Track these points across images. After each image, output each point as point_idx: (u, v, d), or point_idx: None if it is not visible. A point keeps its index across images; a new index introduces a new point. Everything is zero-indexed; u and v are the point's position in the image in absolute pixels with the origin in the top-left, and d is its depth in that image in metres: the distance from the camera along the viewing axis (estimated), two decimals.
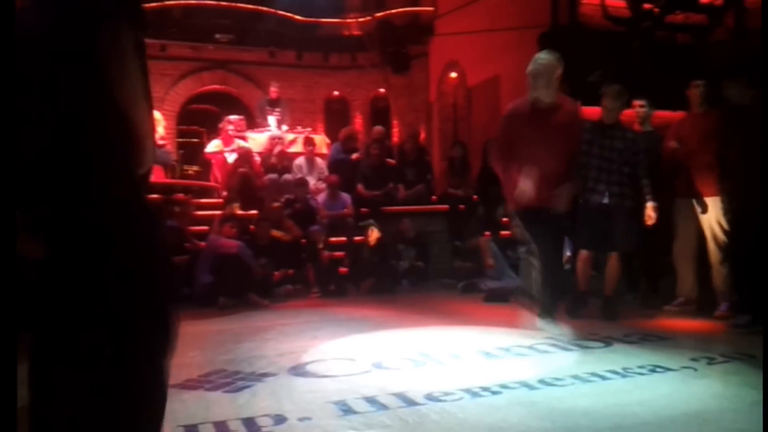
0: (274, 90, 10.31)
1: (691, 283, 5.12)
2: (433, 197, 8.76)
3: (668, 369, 3.28)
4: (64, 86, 1.35)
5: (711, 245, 4.89)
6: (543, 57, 4.18)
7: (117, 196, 1.41)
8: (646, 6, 7.30)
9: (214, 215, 7.37)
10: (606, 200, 4.79)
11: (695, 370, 3.28)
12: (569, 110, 4.30)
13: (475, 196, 8.26)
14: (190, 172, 11.10)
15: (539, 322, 4.28)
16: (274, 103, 10.18)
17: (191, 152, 11.60)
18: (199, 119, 13.02)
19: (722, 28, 7.40)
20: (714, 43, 7.42)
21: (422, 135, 12.41)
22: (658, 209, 4.79)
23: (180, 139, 12.41)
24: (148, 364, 1.46)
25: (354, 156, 9.07)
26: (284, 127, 9.99)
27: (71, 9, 1.36)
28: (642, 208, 4.79)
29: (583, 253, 5.01)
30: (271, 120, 9.95)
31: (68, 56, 1.35)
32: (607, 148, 4.83)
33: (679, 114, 5.31)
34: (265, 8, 12.42)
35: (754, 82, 4.43)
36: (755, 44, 6.72)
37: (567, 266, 6.39)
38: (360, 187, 8.33)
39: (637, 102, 5.40)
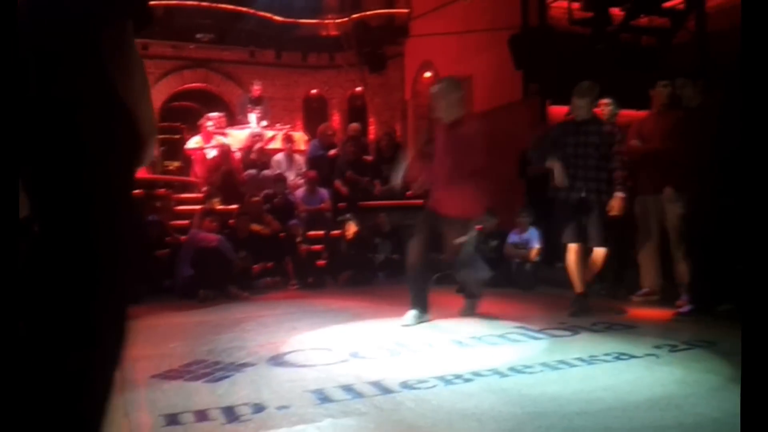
0: (257, 88, 10.29)
1: (653, 275, 5.27)
2: (409, 192, 8.86)
3: (632, 356, 3.38)
4: (68, 84, 1.36)
5: (673, 238, 5.03)
6: (441, 83, 4.54)
7: (111, 196, 1.43)
8: (612, 10, 7.51)
9: (194, 210, 7.41)
10: (584, 194, 4.73)
11: (658, 357, 3.37)
12: (469, 129, 4.54)
13: None
14: (171, 167, 11.10)
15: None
16: (256, 102, 10.16)
17: (172, 148, 11.57)
18: (180, 116, 13.00)
19: (684, 31, 7.61)
20: (676, 45, 7.64)
21: (398, 132, 12.52)
22: (625, 201, 4.72)
23: (161, 136, 12.37)
24: (110, 354, 1.48)
25: (332, 152, 9.14)
26: (263, 123, 10.01)
27: (77, 10, 1.37)
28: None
29: (571, 247, 4.86)
30: (252, 117, 9.96)
31: (74, 55, 1.36)
32: (582, 144, 4.78)
33: (642, 113, 5.46)
34: (245, 9, 12.44)
35: (709, 86, 4.59)
36: (716, 47, 6.95)
37: (537, 259, 6.57)
38: (337, 182, 8.43)
39: (603, 101, 5.51)
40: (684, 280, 4.96)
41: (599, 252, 4.82)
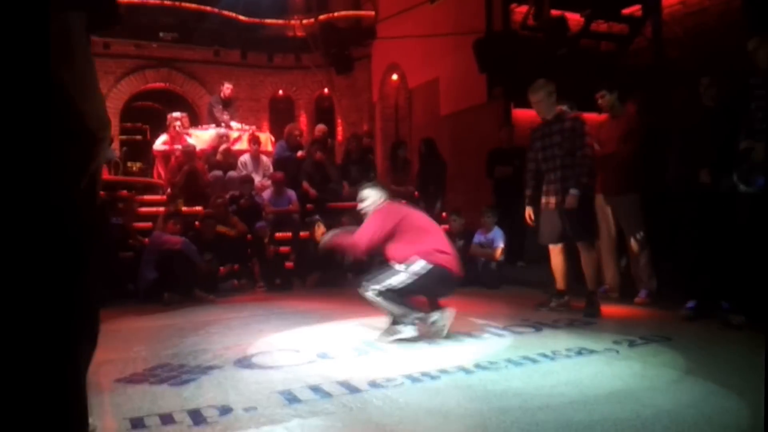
0: (228, 87, 10.10)
1: (612, 272, 5.38)
2: None
3: (593, 351, 3.47)
4: (9, 78, 1.24)
5: (629, 237, 5.17)
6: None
7: (58, 191, 1.34)
8: (573, 16, 7.70)
9: (158, 212, 7.31)
10: (550, 198, 4.80)
11: (617, 352, 3.46)
12: None
13: (416, 192, 8.48)
14: (133, 168, 10.94)
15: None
16: (227, 102, 10.02)
17: (135, 149, 11.38)
18: (142, 117, 12.80)
19: (642, 37, 7.86)
20: (634, 50, 7.86)
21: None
22: (577, 198, 4.64)
23: (123, 137, 12.18)
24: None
25: (299, 153, 9.13)
26: (237, 125, 9.91)
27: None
28: (586, 199, 4.74)
29: (550, 248, 4.94)
30: (224, 118, 9.83)
31: (14, 46, 1.24)
32: (548, 146, 4.83)
33: (602, 116, 5.61)
34: (209, 8, 12.32)
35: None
36: (671, 52, 7.17)
37: (501, 258, 6.67)
38: (305, 184, 8.42)
39: (599, 93, 5.57)
40: (641, 276, 5.12)
41: (581, 248, 4.82)
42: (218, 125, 9.74)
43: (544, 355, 3.42)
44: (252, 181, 8.19)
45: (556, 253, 4.94)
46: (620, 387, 2.82)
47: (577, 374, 3.04)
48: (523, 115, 8.46)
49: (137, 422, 2.52)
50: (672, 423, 2.33)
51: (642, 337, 3.80)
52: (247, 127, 10.26)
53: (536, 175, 5.00)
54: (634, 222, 5.14)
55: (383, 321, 4.63)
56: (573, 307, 4.90)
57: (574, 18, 7.82)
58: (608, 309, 4.86)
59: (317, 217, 7.63)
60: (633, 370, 3.11)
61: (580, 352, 3.47)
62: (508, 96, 8.42)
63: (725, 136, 4.26)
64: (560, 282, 4.97)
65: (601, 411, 2.49)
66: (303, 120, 13.66)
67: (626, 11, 7.89)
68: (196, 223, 7.10)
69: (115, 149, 10.21)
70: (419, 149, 8.69)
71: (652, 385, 2.84)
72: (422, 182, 8.46)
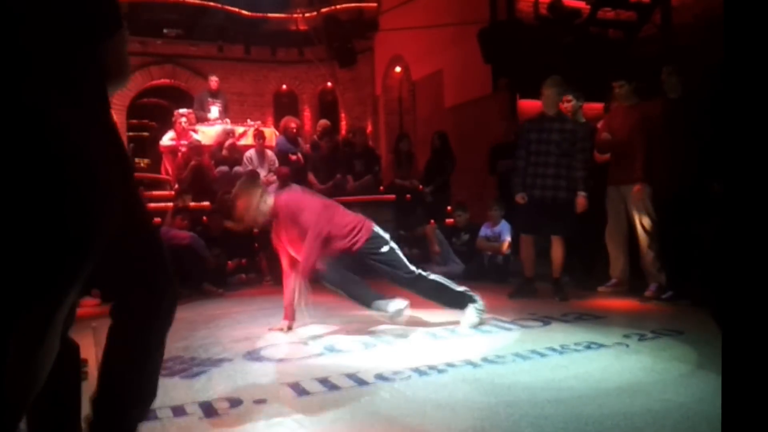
0: (214, 80, 10.23)
1: (622, 265, 5.34)
2: (381, 188, 8.90)
3: (602, 345, 3.45)
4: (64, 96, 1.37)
5: (639, 230, 5.13)
6: None
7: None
8: (578, 4, 7.64)
9: (165, 207, 7.33)
10: (539, 192, 5.02)
11: (627, 346, 3.44)
12: None
13: (420, 186, 8.46)
14: (141, 165, 10.95)
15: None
16: (215, 95, 10.10)
17: (141, 146, 11.39)
18: (148, 113, 12.78)
19: (650, 24, 7.78)
20: (642, 38, 7.79)
21: (369, 128, 12.54)
22: (589, 198, 4.97)
23: (130, 133, 12.20)
24: None
25: (304, 146, 9.13)
26: (227, 122, 9.91)
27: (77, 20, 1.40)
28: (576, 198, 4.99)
29: (523, 237, 5.25)
30: (214, 110, 9.82)
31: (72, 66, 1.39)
32: (544, 142, 5.01)
33: (600, 106, 5.59)
34: (212, 3, 12.30)
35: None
36: (681, 40, 7.10)
37: (508, 251, 6.66)
38: (311, 177, 8.42)
39: (565, 97, 5.60)
40: (650, 270, 5.09)
41: (555, 240, 5.11)
42: (204, 119, 9.75)
43: (553, 349, 3.41)
44: (258, 176, 8.18)
45: (525, 243, 5.24)
46: (630, 381, 2.80)
47: (586, 368, 3.02)
48: (529, 105, 8.40)
49: (149, 414, 2.49)
50: (683, 417, 2.32)
51: (652, 330, 3.77)
52: (252, 123, 10.26)
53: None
54: (644, 213, 5.11)
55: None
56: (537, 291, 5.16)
57: (581, 5, 7.76)
58: (617, 303, 4.86)
59: None
60: (643, 364, 3.09)
61: (589, 346, 3.45)
62: (514, 86, 8.35)
63: None
64: (528, 270, 5.28)
65: (611, 405, 2.48)
66: (307, 114, 13.63)
67: None
68: (204, 218, 7.12)
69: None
70: (432, 142, 8.60)
71: (662, 378, 2.83)
72: (430, 176, 8.41)
